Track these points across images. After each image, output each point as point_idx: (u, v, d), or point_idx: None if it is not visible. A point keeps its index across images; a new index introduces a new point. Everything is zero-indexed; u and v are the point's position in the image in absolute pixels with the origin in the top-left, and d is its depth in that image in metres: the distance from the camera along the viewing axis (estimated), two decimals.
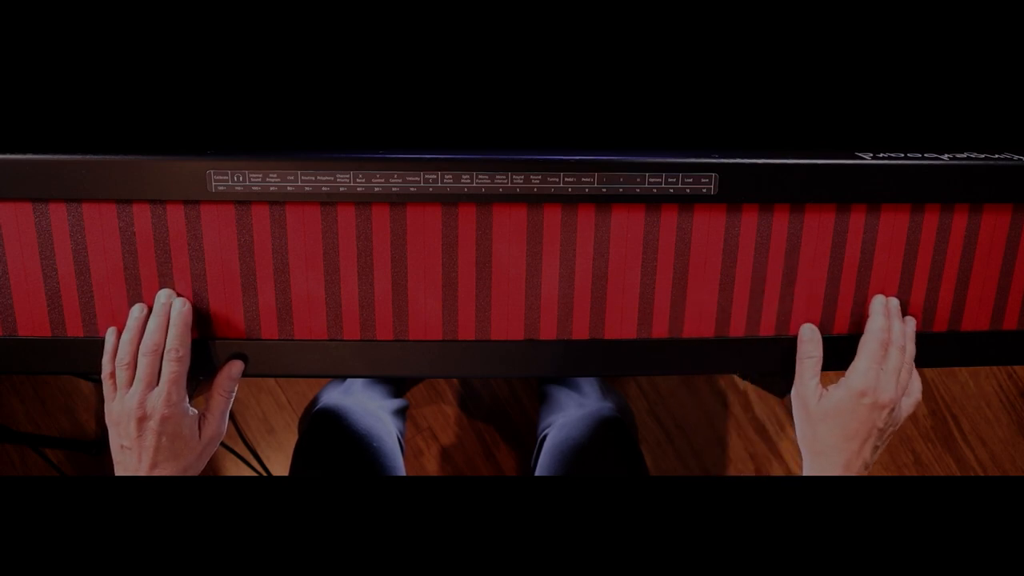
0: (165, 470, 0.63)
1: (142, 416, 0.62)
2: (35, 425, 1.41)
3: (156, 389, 0.62)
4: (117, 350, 0.63)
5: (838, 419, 0.65)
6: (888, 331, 0.66)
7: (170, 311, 0.63)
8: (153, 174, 0.61)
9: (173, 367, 0.62)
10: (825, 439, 0.65)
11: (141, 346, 0.63)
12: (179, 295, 0.64)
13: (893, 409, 0.64)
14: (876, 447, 0.65)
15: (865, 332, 0.66)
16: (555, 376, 0.92)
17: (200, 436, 0.65)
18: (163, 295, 0.64)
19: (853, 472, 0.65)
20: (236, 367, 0.66)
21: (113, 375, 0.63)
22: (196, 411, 0.65)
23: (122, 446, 0.63)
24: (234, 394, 0.67)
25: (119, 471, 0.64)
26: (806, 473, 0.67)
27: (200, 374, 0.67)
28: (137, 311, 0.64)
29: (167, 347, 0.63)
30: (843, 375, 0.66)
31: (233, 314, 0.66)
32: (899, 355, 0.65)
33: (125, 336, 0.63)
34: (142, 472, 0.63)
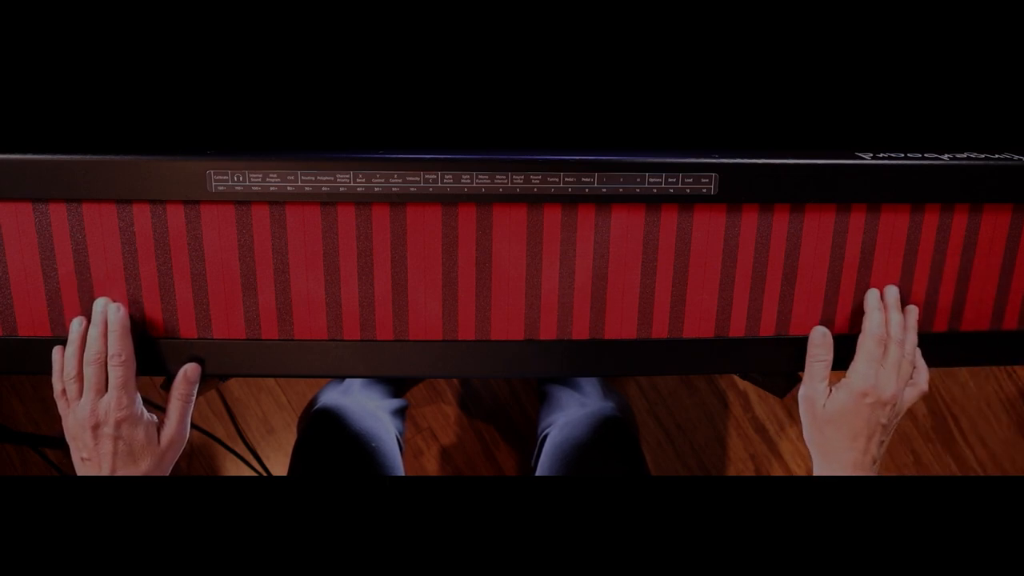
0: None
1: (95, 423, 0.62)
2: (35, 425, 1.41)
3: (106, 395, 0.63)
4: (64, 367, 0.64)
5: (843, 421, 0.65)
6: (885, 326, 0.66)
7: (107, 318, 0.63)
8: (153, 174, 0.61)
9: (119, 372, 0.63)
10: (832, 440, 0.66)
11: (84, 356, 0.63)
12: (115, 301, 0.64)
13: (895, 404, 0.65)
14: (882, 442, 0.66)
15: (862, 331, 0.66)
16: (555, 376, 0.92)
17: (159, 441, 0.65)
18: (99, 304, 0.63)
19: (862, 469, 0.65)
20: (193, 370, 0.66)
21: (65, 393, 0.64)
22: (153, 416, 0.66)
23: (82, 459, 0.64)
24: (194, 398, 0.67)
25: None
26: (816, 473, 0.67)
27: (211, 376, 0.67)
28: (76, 325, 0.64)
29: (109, 353, 0.63)
30: (843, 375, 0.67)
31: (233, 314, 0.66)
32: (898, 349, 0.65)
33: (68, 351, 0.63)
34: None
